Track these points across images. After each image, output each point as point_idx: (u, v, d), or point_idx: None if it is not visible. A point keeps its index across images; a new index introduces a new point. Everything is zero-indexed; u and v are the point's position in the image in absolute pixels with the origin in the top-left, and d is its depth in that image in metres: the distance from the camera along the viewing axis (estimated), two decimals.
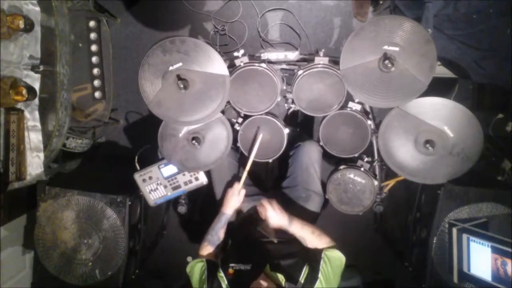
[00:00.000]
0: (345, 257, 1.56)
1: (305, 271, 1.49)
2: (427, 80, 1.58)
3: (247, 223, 1.87)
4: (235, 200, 1.79)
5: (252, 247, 1.69)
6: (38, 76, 1.82)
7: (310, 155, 1.97)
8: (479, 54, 1.88)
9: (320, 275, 1.46)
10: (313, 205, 1.95)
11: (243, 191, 1.81)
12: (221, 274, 1.52)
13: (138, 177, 1.94)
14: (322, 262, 1.49)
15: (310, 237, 1.63)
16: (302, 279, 1.47)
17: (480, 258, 1.66)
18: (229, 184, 1.91)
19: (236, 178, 2.01)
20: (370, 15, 2.44)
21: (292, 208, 1.93)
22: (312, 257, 1.55)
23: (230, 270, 1.53)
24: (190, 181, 1.93)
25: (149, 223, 2.29)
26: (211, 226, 1.79)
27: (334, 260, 1.52)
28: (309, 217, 1.91)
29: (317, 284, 1.44)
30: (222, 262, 1.62)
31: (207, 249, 1.72)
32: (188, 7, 2.52)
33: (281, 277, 1.48)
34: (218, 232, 1.76)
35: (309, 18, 2.53)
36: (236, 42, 2.53)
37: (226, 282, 1.50)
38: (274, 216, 1.65)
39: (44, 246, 1.92)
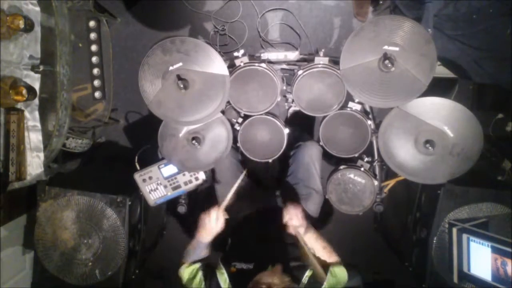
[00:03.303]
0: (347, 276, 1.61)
1: (308, 273, 1.51)
2: (427, 80, 1.58)
3: (247, 223, 1.87)
4: (211, 227, 1.65)
5: (255, 247, 1.69)
6: (38, 76, 1.82)
7: (310, 154, 1.97)
8: (479, 54, 1.88)
9: (325, 283, 1.51)
10: (314, 202, 1.95)
11: (222, 217, 1.66)
12: (223, 270, 1.53)
13: (138, 177, 1.93)
14: (329, 274, 1.54)
15: (320, 251, 1.65)
16: (305, 280, 1.49)
17: (480, 258, 1.66)
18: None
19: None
20: (370, 15, 2.44)
21: None
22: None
23: (232, 269, 1.54)
24: (190, 181, 1.93)
25: (149, 223, 2.29)
26: (186, 250, 1.69)
27: (339, 277, 1.56)
28: (309, 215, 1.92)
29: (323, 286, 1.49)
30: (224, 260, 1.62)
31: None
32: (188, 7, 2.52)
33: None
34: (199, 256, 1.68)
35: (309, 18, 2.53)
36: (236, 42, 2.53)
37: (227, 279, 1.50)
38: (297, 223, 1.64)
39: (44, 246, 1.92)
